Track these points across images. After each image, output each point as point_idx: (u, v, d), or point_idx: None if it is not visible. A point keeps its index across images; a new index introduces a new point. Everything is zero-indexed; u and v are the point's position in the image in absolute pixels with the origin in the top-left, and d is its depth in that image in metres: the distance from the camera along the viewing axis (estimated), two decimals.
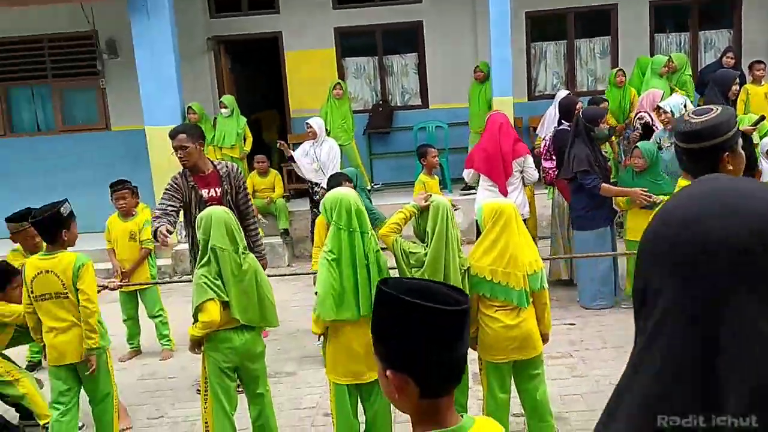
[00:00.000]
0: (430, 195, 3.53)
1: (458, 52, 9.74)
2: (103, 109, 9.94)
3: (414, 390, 1.28)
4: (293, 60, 10.00)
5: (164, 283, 6.56)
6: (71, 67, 9.79)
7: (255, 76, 11.39)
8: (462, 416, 1.35)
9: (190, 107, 8.49)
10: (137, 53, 8.22)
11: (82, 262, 3.71)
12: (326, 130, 8.80)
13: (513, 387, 3.58)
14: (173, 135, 4.50)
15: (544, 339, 3.55)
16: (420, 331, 1.26)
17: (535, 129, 9.20)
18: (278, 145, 7.56)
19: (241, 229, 3.66)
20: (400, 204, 7.93)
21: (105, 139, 9.90)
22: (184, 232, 7.96)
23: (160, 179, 8.41)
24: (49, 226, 3.71)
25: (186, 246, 8.06)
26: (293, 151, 7.24)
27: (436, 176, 6.68)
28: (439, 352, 1.27)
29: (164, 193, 4.49)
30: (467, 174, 6.14)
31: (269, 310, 3.60)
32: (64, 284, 3.64)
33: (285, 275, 6.42)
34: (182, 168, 4.52)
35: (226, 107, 8.48)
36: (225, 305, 3.44)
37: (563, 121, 6.30)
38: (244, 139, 8.63)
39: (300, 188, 9.16)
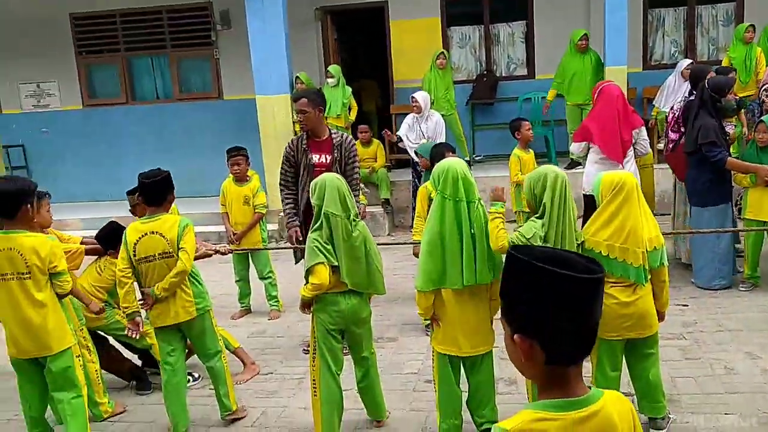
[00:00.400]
0: (502, 189, 3.51)
1: (569, 20, 9.38)
2: (216, 78, 10.36)
3: (541, 356, 1.28)
4: (398, 29, 9.99)
5: (274, 249, 6.81)
6: (188, 38, 10.25)
7: (358, 45, 11.48)
8: (590, 387, 1.34)
9: (297, 77, 8.69)
10: (249, 24, 8.47)
11: (187, 222, 3.84)
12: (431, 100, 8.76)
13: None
14: (296, 99, 4.73)
15: (660, 317, 3.43)
16: (551, 297, 1.25)
17: (650, 100, 8.77)
18: (384, 134, 7.67)
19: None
20: (501, 177, 7.88)
21: (217, 107, 10.35)
22: None
23: (268, 147, 8.71)
24: (161, 189, 3.86)
25: None
26: (396, 130, 7.33)
27: (531, 150, 6.55)
28: (569, 320, 1.26)
29: (282, 163, 4.79)
30: (577, 147, 5.92)
31: (377, 277, 3.65)
32: (169, 243, 3.75)
33: (387, 245, 6.52)
34: (299, 132, 4.77)
35: (332, 77, 8.61)
36: (335, 269, 3.53)
37: (693, 92, 5.93)
38: (349, 109, 8.75)
39: (401, 158, 9.22)
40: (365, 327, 3.74)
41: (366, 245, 3.59)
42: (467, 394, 3.53)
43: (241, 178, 5.93)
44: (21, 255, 3.37)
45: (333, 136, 4.73)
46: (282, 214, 4.89)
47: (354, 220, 3.57)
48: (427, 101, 7.25)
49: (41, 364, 3.58)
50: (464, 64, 10.16)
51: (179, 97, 10.51)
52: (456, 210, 3.24)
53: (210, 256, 4.41)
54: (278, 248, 6.83)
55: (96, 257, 4.55)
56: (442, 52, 8.97)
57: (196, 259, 3.96)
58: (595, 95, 5.82)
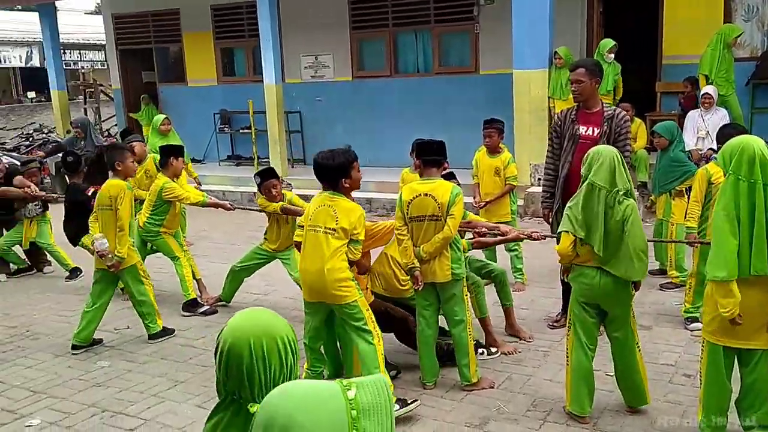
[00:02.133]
0: None
1: None
2: (474, 53, 10.56)
3: None
4: (673, 0, 9.23)
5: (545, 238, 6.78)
6: (451, 13, 10.56)
7: (621, 19, 10.82)
8: None
9: (556, 52, 8.50)
10: None
11: (459, 191, 3.97)
12: (707, 78, 8.08)
13: None
14: (573, 68, 4.68)
15: None
16: None
17: None
18: None
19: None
20: None
21: (473, 81, 10.55)
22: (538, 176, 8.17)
23: (521, 121, 8.70)
24: (437, 153, 4.08)
25: (538, 189, 8.24)
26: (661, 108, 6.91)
27: None
28: None
29: (549, 133, 4.88)
30: None
31: (632, 260, 3.43)
32: (439, 207, 3.91)
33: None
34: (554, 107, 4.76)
35: (612, 52, 8.24)
36: (583, 241, 3.45)
37: None
38: (614, 88, 8.38)
39: None
40: (620, 308, 3.61)
41: (626, 225, 3.44)
42: (738, 393, 3.26)
43: (493, 150, 6.05)
44: (335, 214, 3.77)
45: (605, 109, 4.59)
46: (540, 185, 4.94)
47: (618, 197, 3.44)
48: (717, 96, 6.73)
49: (328, 307, 3.90)
50: (747, 39, 9.07)
51: (438, 71, 10.92)
52: (750, 192, 2.97)
53: (521, 240, 4.54)
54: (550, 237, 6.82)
55: None
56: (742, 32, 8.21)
57: (511, 240, 4.07)
58: None
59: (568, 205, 3.56)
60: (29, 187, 6.76)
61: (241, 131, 12.39)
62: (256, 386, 1.49)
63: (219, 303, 5.90)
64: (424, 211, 3.96)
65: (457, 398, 4.03)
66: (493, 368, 4.38)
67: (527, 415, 3.77)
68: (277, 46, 10.97)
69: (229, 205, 6.11)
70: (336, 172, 3.78)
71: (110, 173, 5.29)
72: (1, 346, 5.24)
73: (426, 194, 3.96)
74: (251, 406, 1.50)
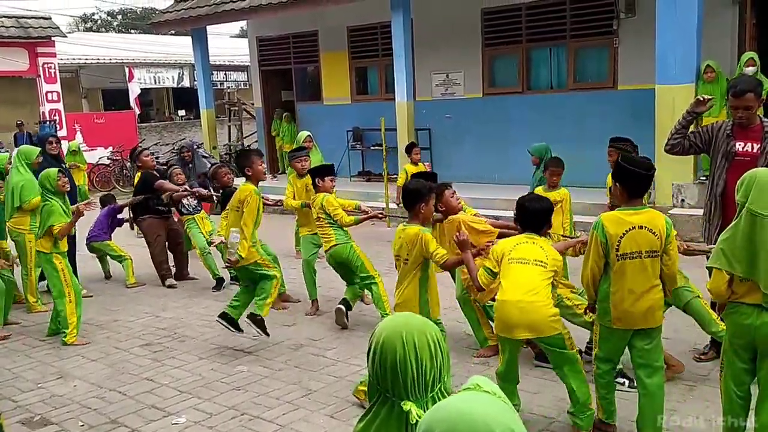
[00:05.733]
0: None
1: None
2: (612, 68, 10.17)
3: None
4: None
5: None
6: (589, 27, 10.25)
7: None
8: None
9: (708, 65, 8.01)
10: (659, 8, 8.08)
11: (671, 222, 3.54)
12: None
13: None
14: (740, 94, 4.18)
15: None
16: None
17: None
18: None
19: None
20: None
21: (610, 97, 10.17)
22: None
23: (663, 140, 8.22)
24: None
25: (681, 211, 7.77)
26: None
27: None
28: None
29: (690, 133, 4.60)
30: None
31: None
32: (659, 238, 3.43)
33: None
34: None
35: (751, 65, 7.70)
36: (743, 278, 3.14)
37: None
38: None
39: None
40: None
41: None
42: None
43: None
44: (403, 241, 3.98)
45: (764, 123, 4.25)
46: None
47: None
48: None
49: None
50: None
51: (572, 87, 10.62)
52: None
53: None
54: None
55: None
56: None
57: None
58: None
59: (721, 237, 3.24)
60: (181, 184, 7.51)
61: (372, 148, 12.69)
62: (409, 380, 1.53)
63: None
64: (640, 247, 3.46)
65: None
66: (630, 400, 4.14)
67: None
68: (410, 64, 11.15)
69: (379, 214, 6.49)
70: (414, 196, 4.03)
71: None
72: (151, 346, 5.66)
73: (642, 226, 3.45)
74: (404, 404, 1.53)
